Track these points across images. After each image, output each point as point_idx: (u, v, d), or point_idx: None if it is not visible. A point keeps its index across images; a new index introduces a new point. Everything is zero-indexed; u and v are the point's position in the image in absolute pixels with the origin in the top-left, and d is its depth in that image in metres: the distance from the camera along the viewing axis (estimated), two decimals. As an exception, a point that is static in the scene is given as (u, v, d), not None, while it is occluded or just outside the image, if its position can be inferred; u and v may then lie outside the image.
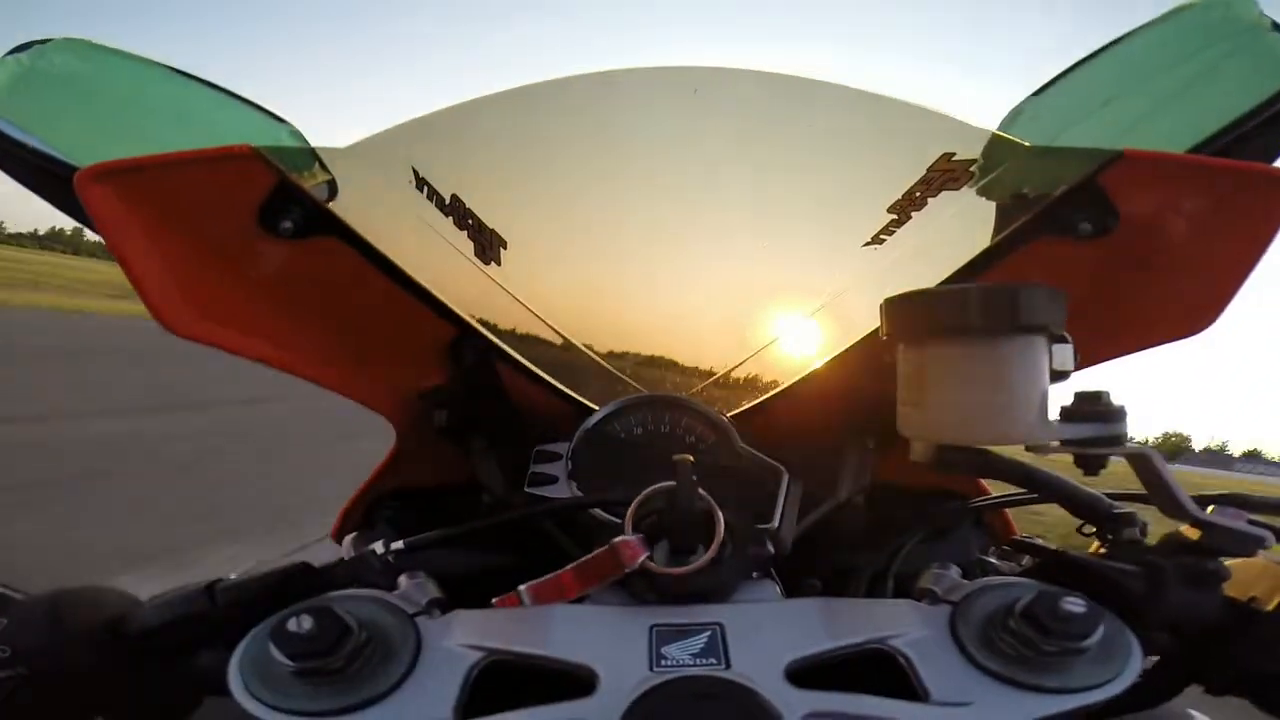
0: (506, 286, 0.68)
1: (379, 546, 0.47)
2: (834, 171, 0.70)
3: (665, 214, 0.73)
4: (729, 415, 0.67)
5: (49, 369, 7.80)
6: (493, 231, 0.66)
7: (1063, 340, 0.41)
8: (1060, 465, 0.47)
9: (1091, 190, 0.52)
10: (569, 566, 0.42)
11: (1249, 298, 0.55)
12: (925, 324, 0.43)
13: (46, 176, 0.55)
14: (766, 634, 0.37)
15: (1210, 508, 0.42)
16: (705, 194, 0.72)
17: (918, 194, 0.63)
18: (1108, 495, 0.47)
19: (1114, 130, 0.66)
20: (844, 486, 0.62)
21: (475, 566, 0.57)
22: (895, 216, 0.64)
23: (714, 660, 0.35)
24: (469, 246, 0.65)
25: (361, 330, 0.64)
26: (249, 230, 0.54)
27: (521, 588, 0.42)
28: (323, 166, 0.58)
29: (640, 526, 0.43)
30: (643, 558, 0.41)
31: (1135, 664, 0.34)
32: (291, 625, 0.34)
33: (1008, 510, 0.70)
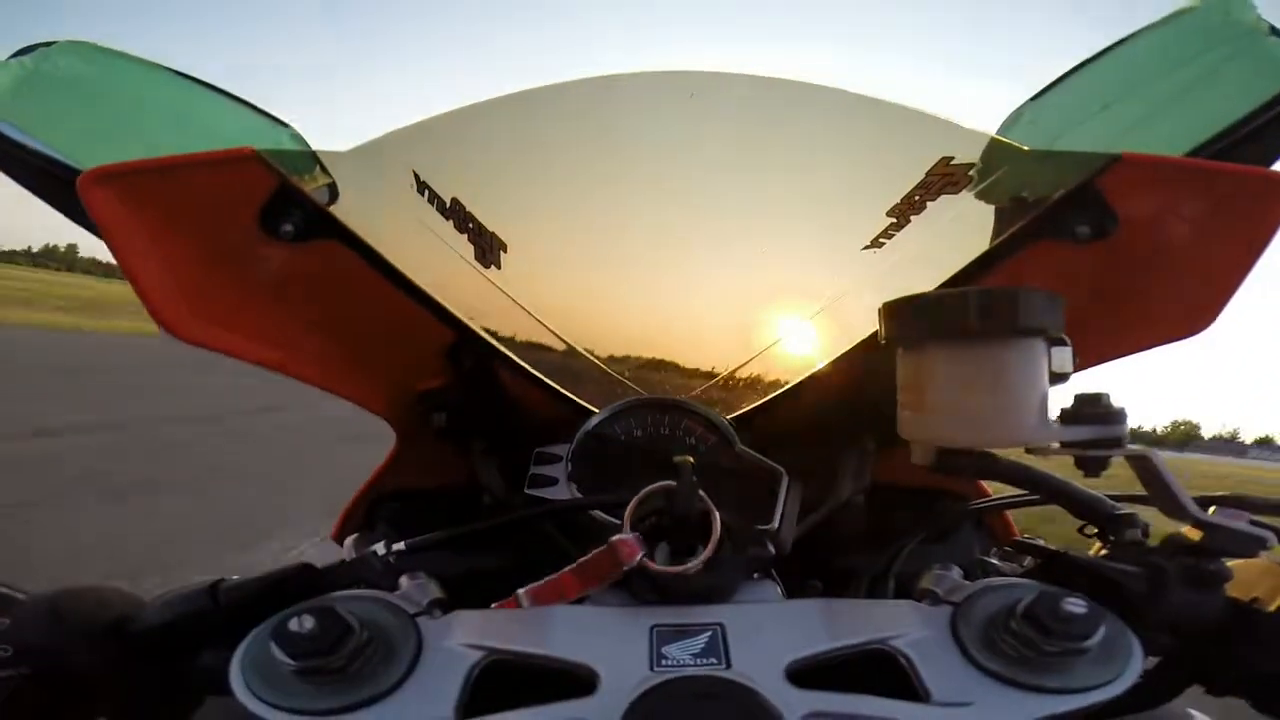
0: (506, 290, 0.68)
1: (380, 547, 0.47)
2: (833, 175, 0.70)
3: (665, 217, 0.73)
4: (729, 417, 0.67)
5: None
6: (493, 235, 0.66)
7: (1062, 343, 0.41)
8: (1062, 467, 0.47)
9: (1090, 193, 0.53)
10: (568, 569, 0.42)
11: (1254, 289, 0.55)
12: (925, 327, 0.43)
13: (49, 179, 0.55)
14: (767, 634, 0.37)
15: (1212, 509, 0.42)
16: (704, 198, 0.73)
17: (917, 198, 0.63)
18: (1109, 497, 0.47)
19: (1113, 133, 0.66)
20: (844, 488, 0.62)
21: (476, 567, 0.57)
22: (894, 220, 0.64)
23: (714, 660, 0.35)
24: (469, 250, 0.65)
25: (361, 333, 0.64)
26: (250, 233, 0.54)
27: (521, 591, 0.42)
28: (324, 170, 0.58)
29: (639, 526, 0.43)
30: (640, 555, 0.41)
31: (1136, 664, 0.34)
32: (293, 625, 0.34)
33: (1008, 512, 0.70)
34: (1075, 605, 0.34)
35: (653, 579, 0.41)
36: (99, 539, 3.33)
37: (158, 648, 0.42)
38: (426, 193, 0.63)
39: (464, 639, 0.37)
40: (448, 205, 0.64)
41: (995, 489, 0.69)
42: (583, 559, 0.42)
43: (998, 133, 0.66)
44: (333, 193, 0.58)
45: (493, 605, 0.42)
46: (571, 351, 0.73)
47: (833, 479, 0.63)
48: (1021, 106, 0.76)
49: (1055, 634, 0.34)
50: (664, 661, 0.35)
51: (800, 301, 0.72)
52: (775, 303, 0.75)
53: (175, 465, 4.92)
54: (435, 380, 0.68)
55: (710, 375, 0.76)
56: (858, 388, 0.64)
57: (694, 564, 0.41)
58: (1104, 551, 0.45)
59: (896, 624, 0.38)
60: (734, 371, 0.75)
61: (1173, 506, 0.41)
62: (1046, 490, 0.47)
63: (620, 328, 0.77)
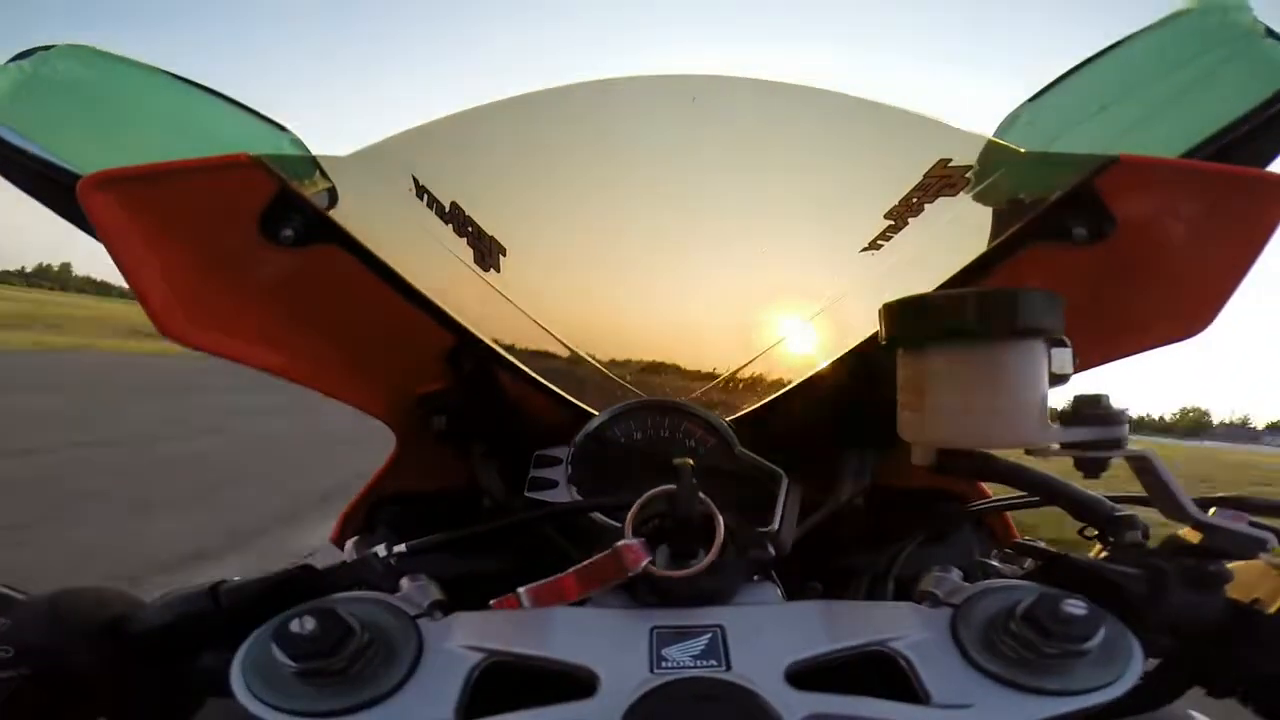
0: (506, 293, 0.68)
1: (381, 549, 0.47)
2: (831, 178, 0.70)
3: (664, 220, 0.74)
4: (728, 419, 0.67)
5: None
6: (492, 239, 0.66)
7: (1061, 344, 0.41)
8: (1062, 469, 0.47)
9: (1087, 195, 0.53)
10: (570, 570, 0.42)
11: (1257, 282, 0.55)
12: (924, 328, 0.43)
13: (48, 184, 0.55)
14: (767, 636, 0.37)
15: (1212, 510, 0.42)
16: (703, 200, 0.73)
17: (915, 200, 0.63)
18: (1109, 498, 0.47)
19: (1110, 135, 0.66)
20: (844, 489, 0.62)
21: (476, 570, 0.56)
22: (892, 222, 0.64)
23: (714, 662, 0.35)
24: (469, 254, 0.66)
25: (362, 337, 0.64)
26: (250, 238, 0.54)
27: (521, 590, 0.42)
28: (323, 175, 0.58)
29: (641, 530, 0.43)
30: (645, 562, 0.41)
31: (1136, 666, 0.34)
32: (294, 626, 0.34)
33: (1008, 513, 0.70)
34: (1075, 607, 0.34)
35: (655, 582, 0.41)
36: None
37: (158, 648, 0.41)
38: (426, 197, 0.63)
39: (464, 640, 0.37)
40: (447, 209, 0.64)
41: (995, 490, 0.69)
42: (586, 562, 0.42)
43: (995, 134, 0.66)
44: (332, 197, 0.58)
45: (492, 603, 0.42)
46: (571, 354, 0.73)
47: (832, 480, 0.63)
48: (1019, 108, 0.76)
49: (1055, 636, 0.34)
50: (664, 663, 0.35)
51: (799, 304, 0.72)
52: (774, 305, 0.75)
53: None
54: (435, 384, 0.68)
55: (710, 377, 0.76)
56: (857, 389, 0.64)
57: (697, 567, 0.41)
58: (1104, 553, 0.45)
59: (896, 626, 0.38)
60: (734, 374, 0.75)
61: (1172, 508, 0.41)
62: (1046, 491, 0.47)
63: (620, 330, 0.77)
